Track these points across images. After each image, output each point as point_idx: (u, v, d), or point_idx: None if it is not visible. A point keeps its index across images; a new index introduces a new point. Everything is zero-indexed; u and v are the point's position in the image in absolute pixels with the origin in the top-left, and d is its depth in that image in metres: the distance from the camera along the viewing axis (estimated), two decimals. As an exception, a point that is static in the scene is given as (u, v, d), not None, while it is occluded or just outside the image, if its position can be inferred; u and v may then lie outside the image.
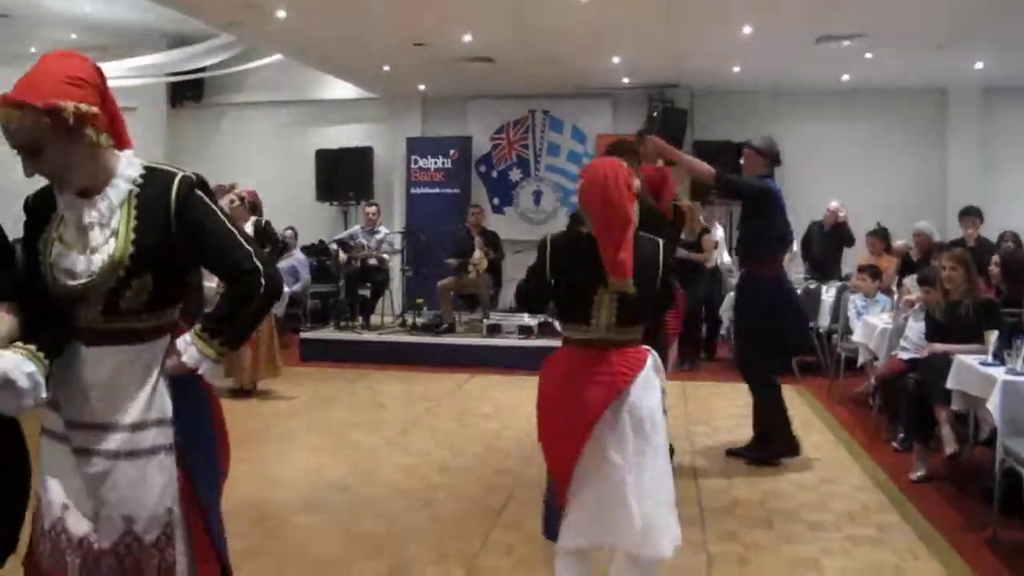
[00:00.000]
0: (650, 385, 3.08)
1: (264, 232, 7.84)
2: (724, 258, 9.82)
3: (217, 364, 2.24)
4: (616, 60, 10.25)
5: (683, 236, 9.15)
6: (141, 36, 12.12)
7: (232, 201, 7.68)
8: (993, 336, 4.72)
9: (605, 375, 3.02)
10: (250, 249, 2.22)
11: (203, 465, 2.32)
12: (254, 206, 7.90)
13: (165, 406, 2.23)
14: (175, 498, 2.23)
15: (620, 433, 3.01)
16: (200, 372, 2.22)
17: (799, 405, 7.53)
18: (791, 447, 5.65)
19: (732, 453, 5.79)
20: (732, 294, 9.22)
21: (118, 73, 11.44)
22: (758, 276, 5.66)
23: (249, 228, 7.79)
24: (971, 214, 8.72)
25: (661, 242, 3.15)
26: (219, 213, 2.24)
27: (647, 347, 3.14)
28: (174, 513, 2.23)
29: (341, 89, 12.70)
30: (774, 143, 5.88)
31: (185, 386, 2.25)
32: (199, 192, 2.23)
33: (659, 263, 3.11)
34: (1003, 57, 9.78)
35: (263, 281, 2.19)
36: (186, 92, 13.18)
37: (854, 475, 5.44)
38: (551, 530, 3.11)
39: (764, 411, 5.70)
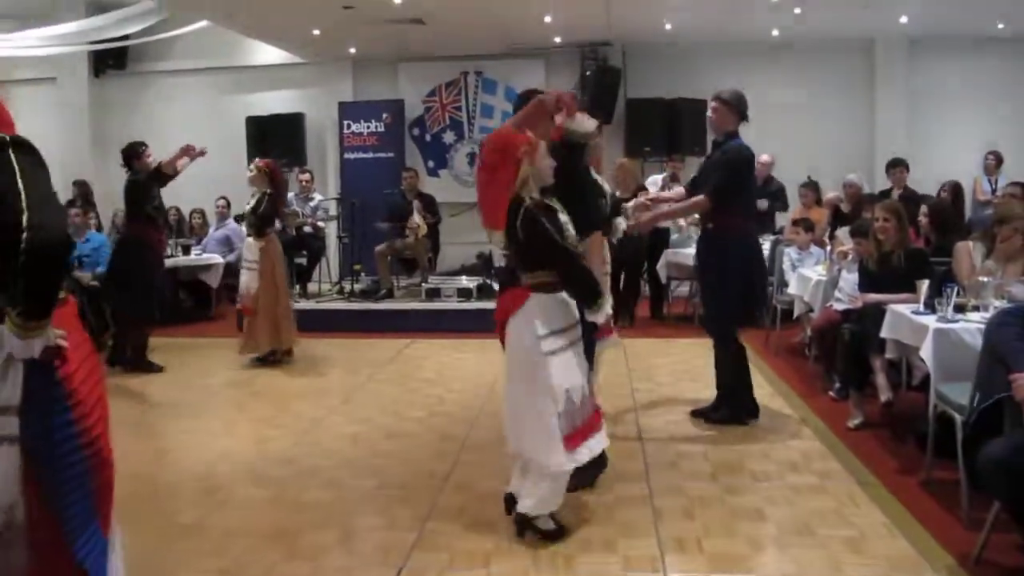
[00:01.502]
0: (522, 323, 3.68)
1: (269, 204, 7.65)
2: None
3: (23, 339, 2.10)
4: (548, 19, 10.17)
5: (617, 194, 9.19)
6: (59, 3, 11.70)
7: (250, 171, 7.84)
8: (924, 285, 4.83)
9: (497, 311, 3.84)
10: (25, 207, 2.04)
11: (54, 458, 2.20)
12: (273, 176, 7.71)
13: (12, 395, 2.14)
14: (15, 492, 2.14)
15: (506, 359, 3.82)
16: (10, 350, 2.10)
17: (738, 358, 7.66)
18: (753, 409, 5.64)
19: (697, 414, 5.68)
20: (677, 250, 9.38)
21: (36, 42, 11.05)
22: (730, 230, 5.35)
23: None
24: (898, 165, 8.92)
25: (521, 207, 3.63)
26: (21, 174, 2.08)
27: (527, 290, 3.70)
28: (16, 509, 2.14)
29: (270, 54, 12.43)
30: (743, 96, 5.56)
31: (32, 372, 2.15)
32: (8, 152, 2.10)
33: (515, 222, 3.64)
34: (926, 9, 9.94)
35: (27, 237, 2.02)
36: (109, 60, 12.75)
37: (793, 425, 5.56)
38: None
39: (729, 370, 5.56)
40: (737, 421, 5.51)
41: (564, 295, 3.76)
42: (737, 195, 5.35)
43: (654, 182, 9.59)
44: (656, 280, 9.77)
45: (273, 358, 7.71)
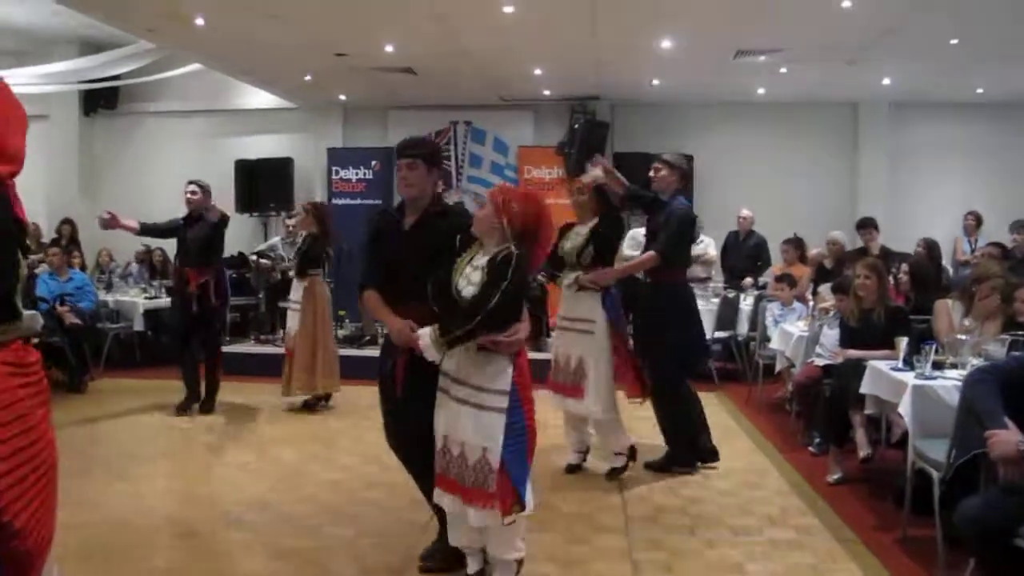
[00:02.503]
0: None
1: (316, 245, 7.70)
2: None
3: None
4: (538, 71, 10.32)
5: None
6: (53, 42, 11.80)
7: (296, 213, 7.78)
8: (903, 342, 4.88)
9: None
10: None
11: None
12: (321, 218, 7.76)
13: None
14: None
15: None
16: None
17: (720, 412, 7.68)
18: (710, 453, 5.78)
19: (649, 467, 5.76)
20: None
21: (29, 80, 11.10)
22: (674, 283, 5.69)
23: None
24: (867, 226, 9.01)
25: None
26: None
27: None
28: None
29: (260, 98, 12.53)
30: (684, 160, 6.01)
31: None
32: None
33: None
34: (908, 73, 10.14)
35: None
36: (100, 100, 12.83)
37: (773, 479, 5.56)
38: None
39: (674, 417, 5.78)
40: (689, 466, 5.70)
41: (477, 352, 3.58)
42: (681, 252, 5.75)
43: (633, 236, 9.58)
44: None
45: (316, 403, 7.74)
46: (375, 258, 4.06)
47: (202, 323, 7.54)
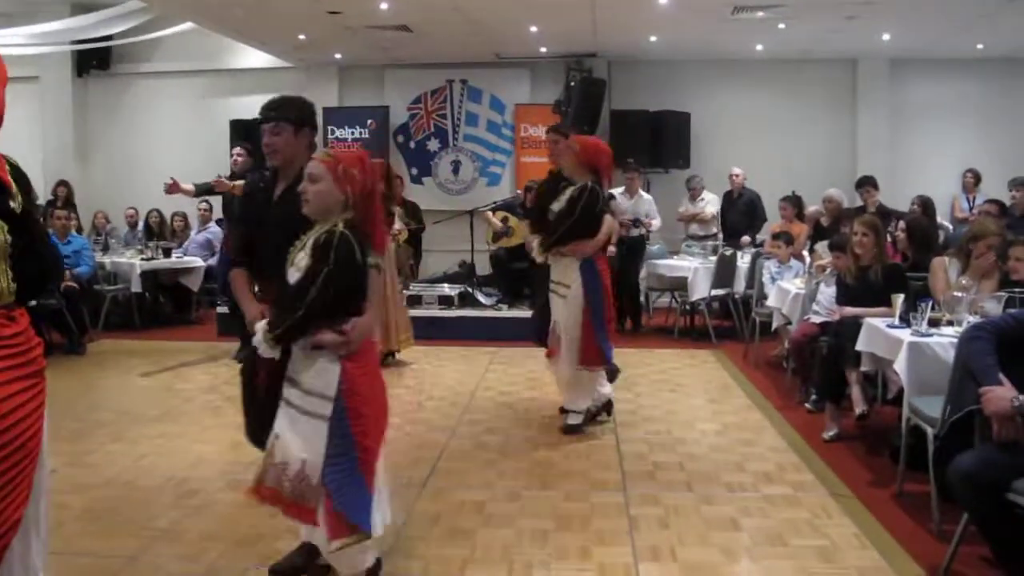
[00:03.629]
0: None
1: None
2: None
3: None
4: (534, 29, 10.23)
5: None
6: (43, 1, 11.65)
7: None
8: (900, 300, 4.89)
9: None
10: None
11: None
12: (386, 177, 7.75)
13: None
14: None
15: None
16: None
17: (717, 369, 7.73)
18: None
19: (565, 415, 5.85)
20: (657, 261, 9.47)
21: (20, 40, 11.00)
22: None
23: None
24: (866, 183, 8.99)
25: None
26: None
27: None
28: None
29: (255, 58, 12.42)
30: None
31: None
32: None
33: None
34: (908, 29, 10.05)
35: None
36: (92, 61, 12.70)
37: (769, 436, 5.60)
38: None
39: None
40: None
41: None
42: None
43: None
44: (634, 292, 9.70)
45: (384, 359, 7.64)
46: (243, 231, 3.71)
47: None
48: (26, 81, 12.57)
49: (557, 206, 5.47)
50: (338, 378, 3.04)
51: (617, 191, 9.57)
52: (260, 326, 3.11)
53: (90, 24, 11.03)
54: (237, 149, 8.12)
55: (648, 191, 10.48)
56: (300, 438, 3.05)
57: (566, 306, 5.50)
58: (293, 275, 3.07)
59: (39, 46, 11.36)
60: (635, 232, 9.44)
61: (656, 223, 9.62)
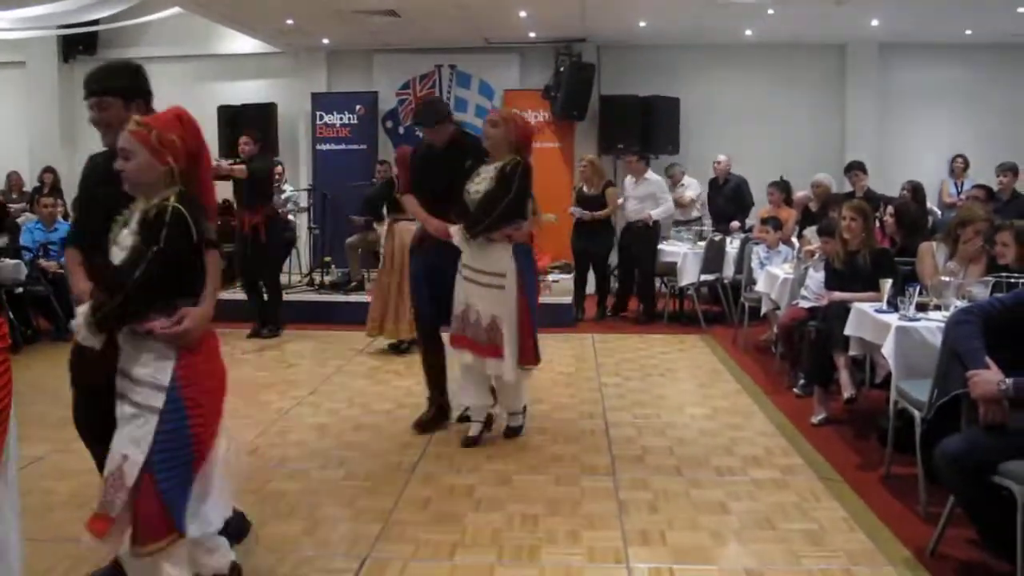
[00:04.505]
0: None
1: (384, 188, 7.81)
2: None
3: None
4: (523, 14, 10.18)
5: (585, 190, 9.24)
6: (28, -14, 11.55)
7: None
8: (888, 284, 4.91)
9: None
10: None
11: None
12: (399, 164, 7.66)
13: None
14: None
15: None
16: None
17: (706, 354, 7.74)
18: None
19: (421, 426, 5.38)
20: (662, 248, 9.46)
21: (5, 25, 10.88)
22: None
23: None
24: (855, 168, 9.04)
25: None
26: None
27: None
28: None
29: (243, 43, 12.34)
30: None
31: None
32: None
33: None
34: (897, 14, 10.05)
35: None
36: (78, 45, 12.59)
37: (758, 421, 5.62)
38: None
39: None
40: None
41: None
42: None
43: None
44: (648, 279, 9.46)
45: (400, 345, 7.69)
46: (82, 211, 3.44)
47: (257, 260, 8.35)
48: (11, 66, 12.51)
49: (480, 185, 4.87)
50: (173, 365, 2.73)
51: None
52: (81, 309, 2.72)
53: (76, 8, 10.91)
54: (243, 138, 8.50)
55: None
56: (127, 434, 2.71)
57: (502, 299, 4.89)
58: (117, 255, 2.73)
59: (24, 31, 11.25)
60: (635, 219, 9.31)
61: (660, 211, 9.32)
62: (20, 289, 8.08)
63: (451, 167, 5.05)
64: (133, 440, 2.69)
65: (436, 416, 5.43)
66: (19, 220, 9.47)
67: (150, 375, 2.72)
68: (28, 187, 11.64)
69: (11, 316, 7.80)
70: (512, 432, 5.22)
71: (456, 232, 4.90)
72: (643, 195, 9.34)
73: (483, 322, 4.91)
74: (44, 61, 12.50)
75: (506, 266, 4.90)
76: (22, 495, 4.19)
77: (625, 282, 9.64)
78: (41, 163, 11.63)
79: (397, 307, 7.48)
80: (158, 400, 2.70)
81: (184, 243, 2.69)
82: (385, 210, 8.09)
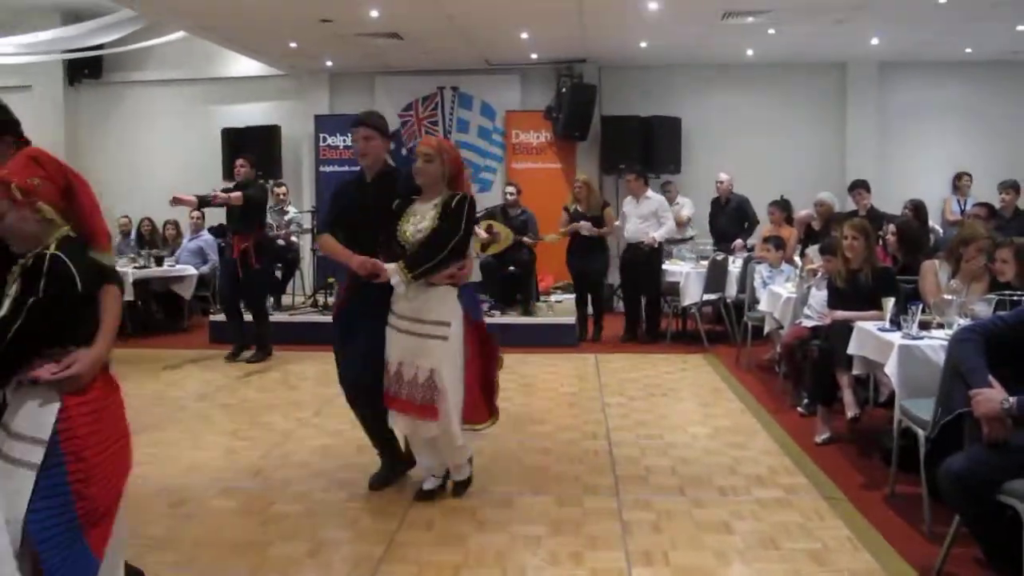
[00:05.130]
0: None
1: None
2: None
3: None
4: (524, 35, 10.25)
5: (581, 209, 9.24)
6: (34, 11, 11.65)
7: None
8: (890, 303, 4.91)
9: None
10: None
11: None
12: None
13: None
14: None
15: None
16: None
17: (709, 374, 7.73)
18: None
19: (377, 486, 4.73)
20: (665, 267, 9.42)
21: (10, 50, 11.00)
22: None
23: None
24: (858, 187, 9.05)
25: None
26: None
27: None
28: None
29: (246, 66, 12.43)
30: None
31: None
32: None
33: None
34: (897, 33, 10.11)
35: None
36: (84, 69, 12.72)
37: (762, 440, 5.61)
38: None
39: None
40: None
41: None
42: None
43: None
44: (654, 300, 9.37)
45: None
46: None
47: (245, 284, 8.25)
48: (18, 90, 12.57)
49: (422, 224, 4.29)
50: (55, 417, 2.52)
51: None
52: None
53: (81, 33, 11.04)
54: (239, 160, 8.35)
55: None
56: (3, 496, 2.48)
57: (445, 351, 4.26)
58: (6, 305, 2.57)
59: (31, 55, 11.37)
60: (638, 239, 9.15)
61: (663, 231, 9.20)
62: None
63: (380, 204, 4.43)
64: (10, 502, 2.47)
65: (391, 470, 4.80)
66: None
67: (29, 428, 2.52)
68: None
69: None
70: (460, 487, 4.57)
71: (395, 272, 4.20)
72: (645, 213, 9.26)
73: (420, 378, 4.26)
74: (50, 85, 12.64)
75: (451, 312, 4.28)
76: None
77: (633, 308, 9.43)
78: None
79: None
80: (36, 455, 2.49)
81: (66, 290, 2.54)
82: None
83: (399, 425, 4.46)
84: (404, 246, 4.29)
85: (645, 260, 9.17)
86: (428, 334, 4.25)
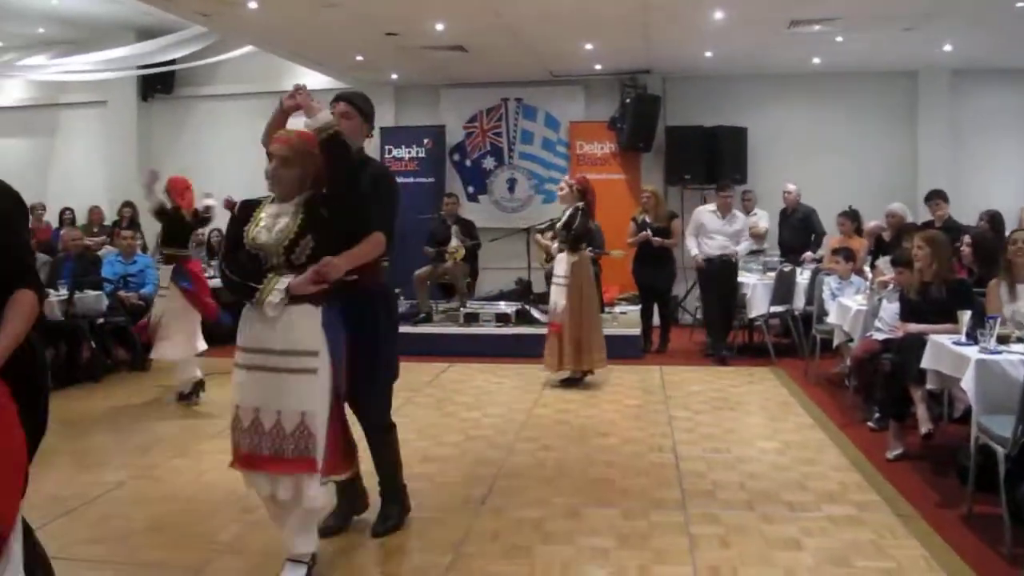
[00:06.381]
0: None
1: (582, 219, 7.52)
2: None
3: None
4: (588, 47, 10.24)
5: (648, 220, 9.19)
6: (110, 29, 12.01)
7: (561, 189, 7.72)
8: (966, 316, 4.79)
9: None
10: None
11: None
12: (584, 193, 7.60)
13: None
14: None
15: None
16: None
17: (776, 387, 7.63)
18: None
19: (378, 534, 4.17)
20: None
21: (87, 67, 11.35)
22: (378, 277, 4.12)
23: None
24: (935, 197, 8.77)
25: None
26: None
27: None
28: None
29: (312, 79, 12.58)
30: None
31: None
32: None
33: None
34: (971, 39, 9.86)
35: None
36: (156, 85, 13.05)
37: (831, 455, 5.50)
38: None
39: (394, 458, 4.37)
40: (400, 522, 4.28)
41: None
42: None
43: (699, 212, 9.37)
44: (728, 313, 9.08)
45: (580, 378, 7.71)
46: None
47: None
48: (94, 106, 13.02)
49: (275, 226, 3.61)
50: None
51: (704, 207, 9.42)
52: None
53: (155, 50, 11.35)
54: None
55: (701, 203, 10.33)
56: None
57: (314, 388, 3.50)
58: None
59: (106, 72, 11.72)
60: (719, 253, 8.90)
61: (744, 246, 9.10)
62: (101, 320, 8.33)
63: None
64: None
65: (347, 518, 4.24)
66: (100, 253, 9.78)
67: None
68: (108, 221, 12.01)
69: (93, 346, 8.06)
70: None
71: (279, 293, 3.49)
72: (731, 232, 8.99)
73: (286, 425, 3.47)
74: (124, 100, 12.97)
75: (317, 340, 3.52)
76: (104, 520, 4.32)
77: (726, 320, 9.07)
78: (121, 198, 12.00)
79: (588, 338, 7.52)
80: None
81: None
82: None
83: (263, 492, 3.58)
84: (257, 254, 3.57)
85: (726, 272, 8.91)
86: (293, 368, 3.48)
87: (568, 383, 7.68)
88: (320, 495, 3.54)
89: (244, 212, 3.71)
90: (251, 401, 3.52)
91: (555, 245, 7.79)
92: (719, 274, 8.90)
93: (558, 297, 7.58)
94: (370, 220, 3.80)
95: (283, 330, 3.49)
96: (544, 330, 7.96)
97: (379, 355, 4.04)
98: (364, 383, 3.97)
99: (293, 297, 3.48)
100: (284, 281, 3.47)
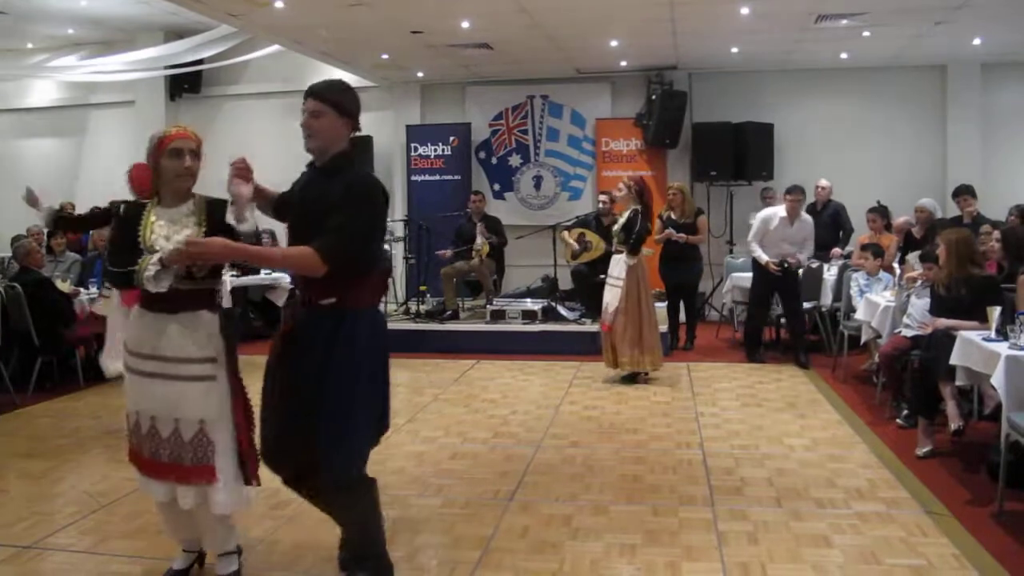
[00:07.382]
0: None
1: (642, 221, 7.52)
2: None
3: None
4: (614, 43, 10.24)
5: (673, 218, 9.17)
6: (138, 29, 12.15)
7: (619, 189, 7.75)
8: (996, 312, 4.76)
9: None
10: None
11: None
12: (642, 194, 7.61)
13: None
14: None
15: None
16: None
17: (804, 384, 7.60)
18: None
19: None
20: (742, 274, 9.22)
21: (116, 67, 11.47)
22: (360, 302, 3.45)
23: None
24: (963, 192, 8.68)
25: None
26: None
27: None
28: None
29: (339, 78, 12.67)
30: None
31: None
32: None
33: None
34: (1001, 32, 9.76)
35: None
36: (184, 84, 13.17)
37: (860, 452, 5.49)
38: None
39: (366, 518, 3.60)
40: None
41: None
42: (372, 251, 3.47)
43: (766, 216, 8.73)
44: (799, 319, 8.71)
45: (637, 377, 7.74)
46: None
47: None
48: (122, 105, 13.17)
49: (174, 234, 3.46)
50: None
51: (771, 211, 8.74)
52: None
53: (183, 50, 11.46)
54: None
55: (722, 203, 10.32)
56: None
57: (214, 394, 3.41)
58: None
59: (135, 72, 11.85)
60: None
61: (807, 255, 8.59)
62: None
63: (318, 200, 3.40)
64: None
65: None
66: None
67: None
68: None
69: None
70: None
71: (154, 267, 3.28)
72: (799, 240, 8.51)
73: (185, 433, 3.35)
74: (152, 100, 13.09)
75: (216, 343, 3.42)
76: (139, 515, 4.39)
77: (799, 318, 8.71)
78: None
79: (645, 340, 7.54)
80: None
81: None
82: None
83: (159, 497, 3.48)
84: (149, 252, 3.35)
85: (795, 282, 8.52)
86: (191, 375, 3.36)
87: (627, 380, 7.72)
88: (230, 502, 3.42)
89: (130, 213, 3.50)
90: (148, 410, 3.39)
91: (612, 247, 7.80)
92: (782, 282, 8.45)
93: (611, 298, 7.62)
94: (323, 231, 3.20)
95: (178, 336, 3.35)
96: (570, 327, 7.91)
97: (349, 388, 3.33)
98: (328, 420, 3.28)
99: (189, 303, 3.38)
100: (156, 256, 3.27)
